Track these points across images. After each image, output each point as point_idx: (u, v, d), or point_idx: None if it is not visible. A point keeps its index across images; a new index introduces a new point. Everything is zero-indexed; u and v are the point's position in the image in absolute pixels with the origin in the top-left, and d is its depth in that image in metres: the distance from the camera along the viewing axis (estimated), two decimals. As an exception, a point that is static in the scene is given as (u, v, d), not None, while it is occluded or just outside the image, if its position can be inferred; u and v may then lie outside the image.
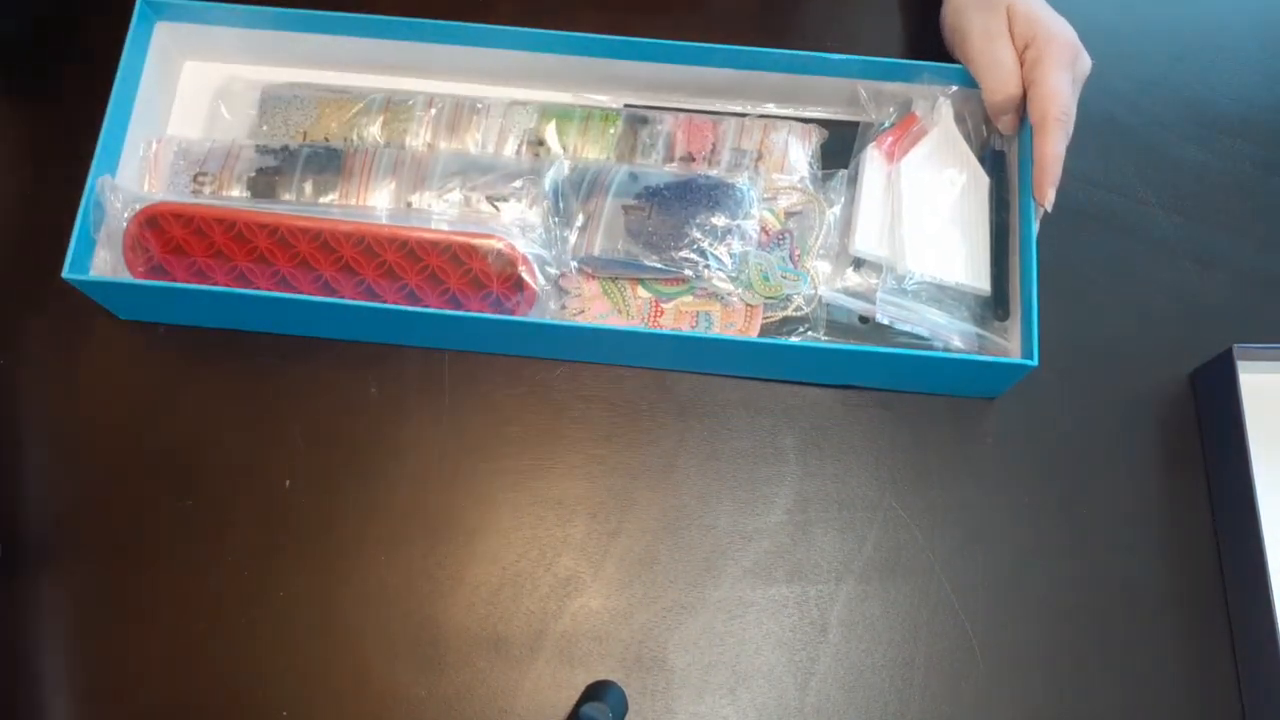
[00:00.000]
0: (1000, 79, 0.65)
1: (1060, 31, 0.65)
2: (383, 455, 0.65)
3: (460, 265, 0.63)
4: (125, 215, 0.64)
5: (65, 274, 0.62)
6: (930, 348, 0.64)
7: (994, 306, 0.66)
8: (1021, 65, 0.65)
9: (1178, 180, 0.74)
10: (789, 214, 0.67)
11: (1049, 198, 0.63)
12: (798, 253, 0.66)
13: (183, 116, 0.72)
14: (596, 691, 0.60)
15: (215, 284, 0.64)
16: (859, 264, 0.67)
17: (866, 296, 0.66)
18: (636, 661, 0.62)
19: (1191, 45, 0.78)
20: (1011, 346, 0.65)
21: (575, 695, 0.61)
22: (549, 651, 0.62)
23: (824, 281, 0.66)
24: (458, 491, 0.65)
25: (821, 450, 0.66)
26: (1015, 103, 0.65)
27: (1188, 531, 0.65)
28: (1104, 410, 0.68)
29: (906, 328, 0.64)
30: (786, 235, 0.66)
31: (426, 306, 0.63)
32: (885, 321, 0.64)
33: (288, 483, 0.65)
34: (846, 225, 0.67)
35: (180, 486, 0.64)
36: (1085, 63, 0.66)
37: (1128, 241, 0.72)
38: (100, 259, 0.65)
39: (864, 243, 0.66)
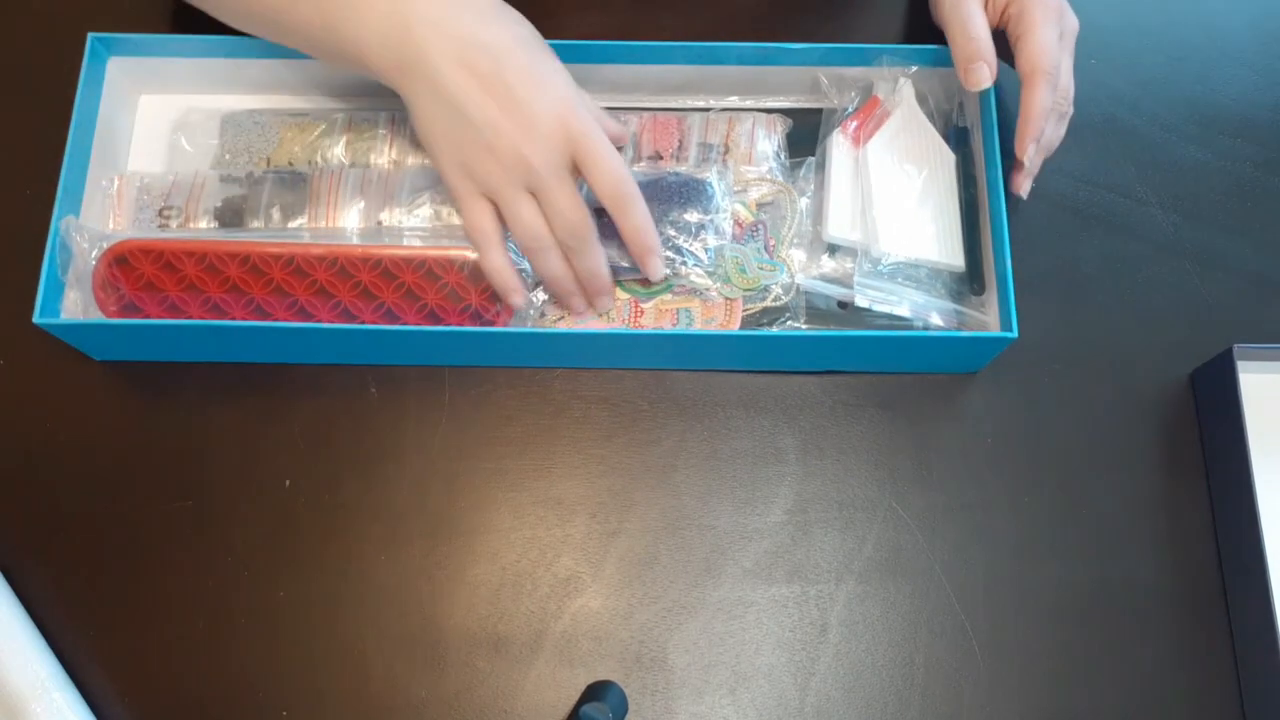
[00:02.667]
0: (966, 33, 0.64)
1: None
2: (382, 455, 0.65)
3: (436, 280, 0.63)
4: (93, 255, 0.62)
5: (36, 319, 0.60)
6: (910, 327, 0.65)
7: (969, 281, 0.66)
8: (1006, 24, 0.65)
9: (1178, 180, 0.74)
10: (760, 205, 0.67)
11: (1028, 152, 0.63)
12: (772, 243, 0.66)
13: (143, 150, 0.70)
14: (596, 691, 0.60)
15: (190, 318, 0.62)
16: (834, 250, 0.67)
17: (844, 282, 0.66)
18: (636, 661, 0.62)
19: (1191, 45, 0.78)
20: (990, 320, 0.65)
21: (575, 695, 0.61)
22: (549, 651, 0.62)
23: (800, 269, 0.66)
24: (458, 491, 0.65)
25: (821, 450, 0.66)
26: (980, 50, 0.64)
27: (1188, 531, 0.65)
28: (1104, 410, 0.68)
29: (886, 309, 0.64)
30: (760, 226, 0.66)
31: (406, 324, 0.63)
32: (865, 305, 0.64)
33: (288, 483, 0.65)
34: (818, 212, 0.67)
35: (179, 487, 0.64)
36: (1072, 20, 0.66)
37: (1128, 241, 0.72)
38: (71, 300, 0.63)
39: (836, 228, 0.66)
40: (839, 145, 0.68)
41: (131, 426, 0.66)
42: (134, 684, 0.61)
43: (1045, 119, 0.63)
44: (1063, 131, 0.67)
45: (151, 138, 0.71)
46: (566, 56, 0.67)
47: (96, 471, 0.64)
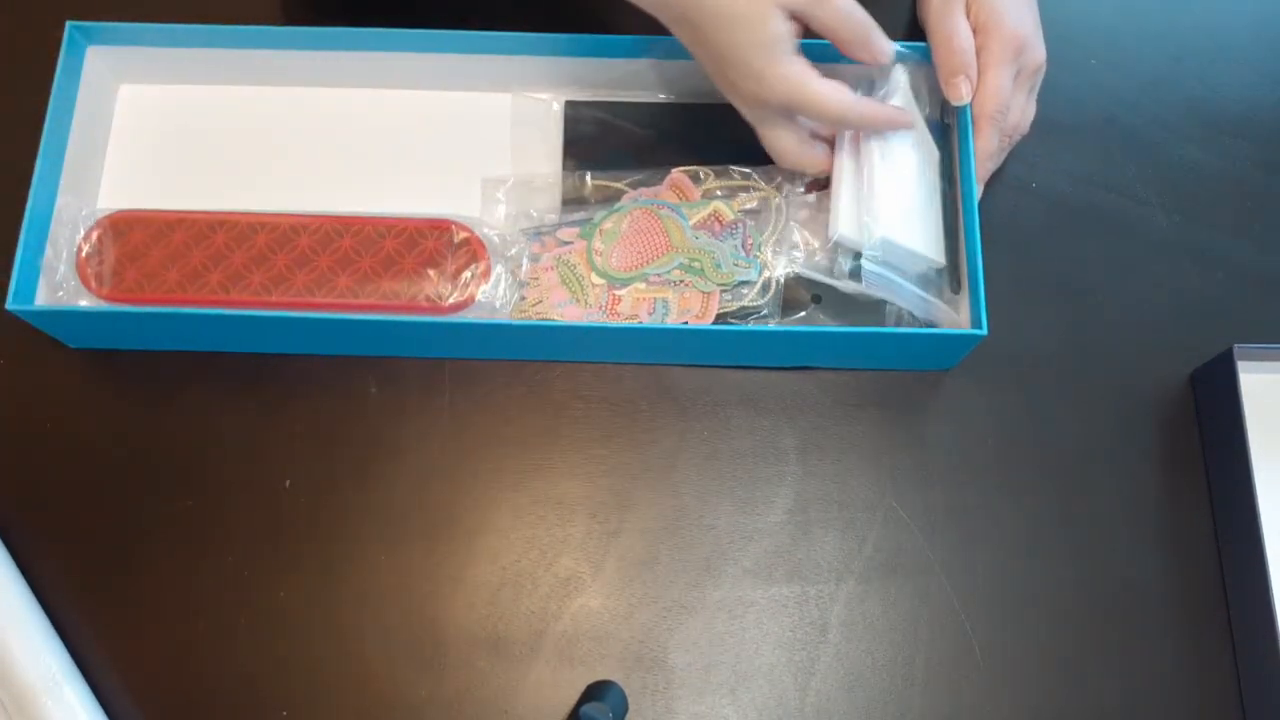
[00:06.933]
0: (951, 45, 0.65)
1: (1009, 22, 0.65)
2: (382, 455, 0.65)
3: (415, 247, 0.64)
4: (78, 235, 0.64)
5: (9, 305, 0.60)
6: (880, 322, 0.65)
7: (948, 279, 0.66)
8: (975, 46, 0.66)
9: (1178, 180, 0.74)
10: (745, 209, 0.67)
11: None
12: (750, 242, 0.65)
13: (122, 141, 0.70)
14: (596, 691, 0.60)
15: (170, 286, 0.64)
16: (838, 246, 0.66)
17: (827, 274, 0.65)
18: (636, 661, 0.62)
19: (1191, 45, 0.78)
20: (962, 318, 0.65)
21: (575, 695, 0.61)
22: (549, 651, 0.62)
23: (778, 269, 0.65)
24: (458, 491, 0.65)
25: (821, 450, 0.66)
26: (964, 63, 0.65)
27: (1188, 531, 0.65)
28: (1104, 410, 0.68)
29: (884, 295, 0.64)
30: (739, 225, 0.66)
31: (383, 292, 0.65)
32: (868, 289, 0.64)
33: (288, 483, 0.65)
34: (802, 216, 0.67)
35: (180, 487, 0.64)
36: (1035, 56, 0.67)
37: (1128, 241, 0.72)
38: (47, 288, 0.64)
39: (846, 226, 0.64)
40: (840, 139, 0.67)
41: (129, 422, 0.66)
42: (135, 682, 0.61)
43: (989, 163, 0.66)
44: (999, 163, 0.69)
45: (132, 128, 0.71)
46: (568, 52, 0.68)
47: (94, 468, 0.65)
